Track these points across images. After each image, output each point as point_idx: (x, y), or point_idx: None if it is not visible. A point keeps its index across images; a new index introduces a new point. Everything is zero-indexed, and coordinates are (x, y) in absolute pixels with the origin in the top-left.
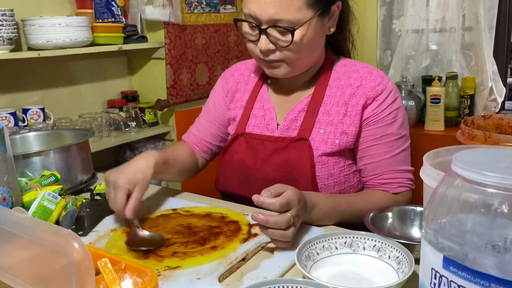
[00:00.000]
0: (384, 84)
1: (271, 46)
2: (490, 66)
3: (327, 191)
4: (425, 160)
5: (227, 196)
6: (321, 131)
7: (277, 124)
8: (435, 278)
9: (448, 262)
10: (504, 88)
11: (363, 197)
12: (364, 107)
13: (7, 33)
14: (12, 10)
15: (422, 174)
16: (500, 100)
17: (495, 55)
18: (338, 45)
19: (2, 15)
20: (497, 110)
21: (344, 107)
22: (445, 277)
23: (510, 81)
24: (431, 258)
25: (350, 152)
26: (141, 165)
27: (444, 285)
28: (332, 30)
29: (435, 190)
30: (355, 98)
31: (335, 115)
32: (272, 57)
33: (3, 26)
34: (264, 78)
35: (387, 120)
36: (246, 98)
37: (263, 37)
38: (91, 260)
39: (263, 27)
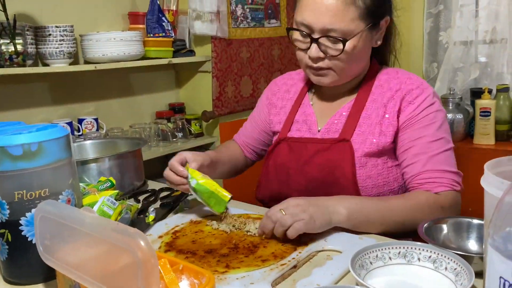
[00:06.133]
0: (422, 88)
1: (321, 54)
2: None
3: (366, 192)
4: (486, 169)
5: (266, 204)
6: (360, 132)
7: (318, 129)
8: (504, 287)
9: None
10: None
11: (401, 196)
12: (402, 109)
13: (67, 48)
14: (72, 26)
15: (484, 182)
16: None
17: None
18: (382, 57)
19: (64, 31)
20: None
21: (383, 109)
22: None
23: None
24: (500, 266)
25: (389, 156)
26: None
27: None
28: (379, 43)
29: (503, 198)
30: (393, 101)
31: (375, 118)
32: (320, 64)
33: (64, 41)
34: (308, 87)
35: (424, 122)
36: (290, 106)
37: (314, 45)
38: (156, 259)
39: (315, 36)
